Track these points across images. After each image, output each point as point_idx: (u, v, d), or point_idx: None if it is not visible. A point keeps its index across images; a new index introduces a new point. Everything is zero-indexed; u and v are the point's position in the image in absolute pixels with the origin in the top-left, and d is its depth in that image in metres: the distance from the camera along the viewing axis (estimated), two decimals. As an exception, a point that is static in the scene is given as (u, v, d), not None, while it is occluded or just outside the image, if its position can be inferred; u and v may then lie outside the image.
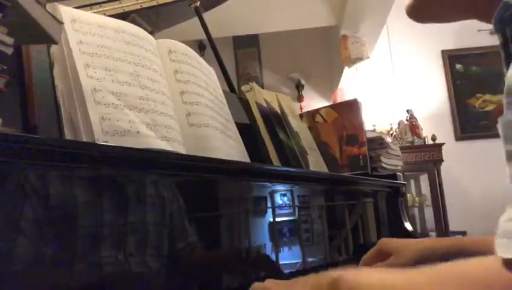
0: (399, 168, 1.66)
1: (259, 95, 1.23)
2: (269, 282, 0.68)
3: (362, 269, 0.58)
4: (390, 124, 4.10)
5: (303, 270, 0.95)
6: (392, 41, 4.40)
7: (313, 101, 4.53)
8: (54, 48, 0.72)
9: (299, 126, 1.39)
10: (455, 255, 0.47)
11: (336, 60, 4.12)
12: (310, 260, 1.03)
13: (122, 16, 1.27)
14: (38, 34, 0.58)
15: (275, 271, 0.89)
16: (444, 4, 0.64)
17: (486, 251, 0.43)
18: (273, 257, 0.90)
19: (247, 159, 1.01)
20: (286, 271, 0.92)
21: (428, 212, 3.94)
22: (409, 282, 0.49)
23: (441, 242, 0.88)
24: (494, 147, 3.94)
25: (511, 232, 0.41)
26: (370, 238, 1.35)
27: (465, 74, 4.47)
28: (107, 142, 0.67)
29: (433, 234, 3.77)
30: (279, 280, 0.70)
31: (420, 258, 0.82)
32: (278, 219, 0.94)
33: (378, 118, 3.99)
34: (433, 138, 3.89)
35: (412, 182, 4.23)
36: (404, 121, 4.05)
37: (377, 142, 1.57)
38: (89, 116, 0.68)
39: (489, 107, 4.35)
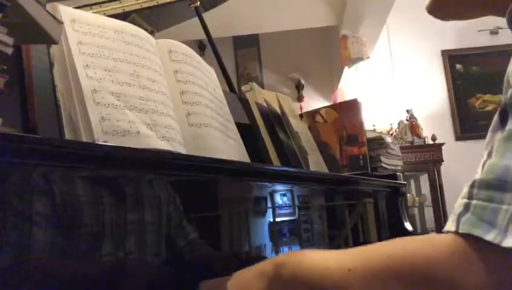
0: (399, 168, 1.66)
1: (259, 95, 1.23)
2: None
3: (309, 251, 0.58)
4: (390, 124, 4.09)
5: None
6: (392, 41, 4.39)
7: (313, 101, 4.53)
8: (54, 48, 0.72)
9: (299, 126, 1.39)
10: None
11: (336, 60, 4.11)
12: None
13: (122, 16, 1.27)
14: (38, 34, 0.58)
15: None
16: (462, 1, 0.64)
17: None
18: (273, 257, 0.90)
19: (247, 159, 1.01)
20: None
21: (428, 212, 3.93)
22: (342, 265, 0.49)
23: None
24: (494, 147, 3.94)
25: (456, 209, 0.46)
26: (370, 238, 1.35)
27: (465, 74, 4.47)
28: (107, 142, 0.67)
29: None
30: None
31: None
32: (278, 219, 0.94)
33: (378, 118, 3.98)
34: (433, 138, 3.89)
35: (412, 182, 4.23)
36: (404, 121, 4.05)
37: (377, 142, 1.57)
38: (88, 117, 0.68)
39: (489, 107, 4.35)
